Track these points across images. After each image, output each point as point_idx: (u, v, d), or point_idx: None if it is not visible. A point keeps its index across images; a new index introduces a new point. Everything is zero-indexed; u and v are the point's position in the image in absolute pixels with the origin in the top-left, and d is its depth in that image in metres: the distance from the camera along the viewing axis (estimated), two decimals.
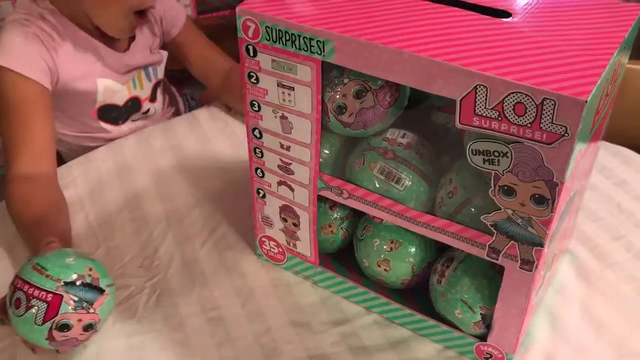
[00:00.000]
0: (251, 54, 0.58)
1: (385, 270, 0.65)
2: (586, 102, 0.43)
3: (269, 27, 0.55)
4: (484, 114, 0.48)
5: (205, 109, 1.06)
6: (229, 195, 0.85)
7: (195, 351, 0.65)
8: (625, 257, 0.74)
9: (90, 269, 0.60)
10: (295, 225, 0.68)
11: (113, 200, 0.85)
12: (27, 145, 0.84)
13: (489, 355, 0.62)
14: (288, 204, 0.67)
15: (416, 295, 0.67)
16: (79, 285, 0.58)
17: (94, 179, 0.89)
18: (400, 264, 0.65)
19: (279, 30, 0.55)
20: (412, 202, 0.60)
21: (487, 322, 0.60)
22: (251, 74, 0.60)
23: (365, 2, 0.57)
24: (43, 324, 0.57)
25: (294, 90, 0.58)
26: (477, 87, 0.47)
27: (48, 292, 0.57)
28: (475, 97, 0.47)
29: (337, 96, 0.58)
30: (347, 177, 0.63)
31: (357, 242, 0.68)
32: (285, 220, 0.69)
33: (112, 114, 1.02)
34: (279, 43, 0.56)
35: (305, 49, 0.54)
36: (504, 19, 0.53)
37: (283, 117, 0.60)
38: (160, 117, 1.11)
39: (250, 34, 0.57)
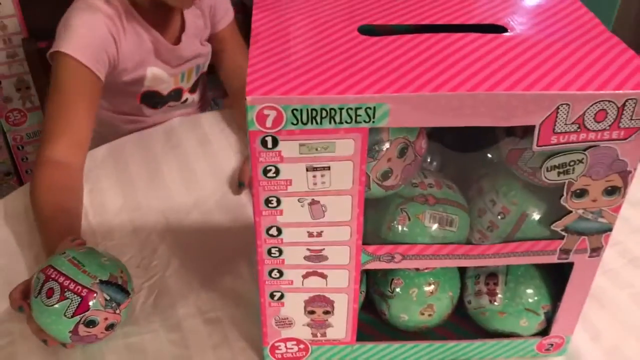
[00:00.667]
0: (269, 145, 0.48)
1: (430, 315, 0.62)
2: None
3: (296, 110, 0.46)
4: (564, 130, 0.48)
5: (209, 113, 1.07)
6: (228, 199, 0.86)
7: (191, 352, 0.65)
8: (621, 263, 0.76)
9: (121, 272, 0.63)
10: (326, 313, 0.59)
11: (112, 200, 0.86)
12: (65, 133, 0.86)
13: (549, 346, 0.64)
14: (319, 293, 0.58)
15: (447, 327, 0.65)
16: (112, 285, 0.61)
17: (94, 177, 0.90)
18: (442, 303, 0.62)
19: (312, 109, 0.46)
20: (462, 238, 0.57)
21: (549, 317, 0.62)
22: (268, 168, 0.49)
23: (374, 52, 0.51)
24: (72, 317, 0.59)
25: (329, 170, 0.49)
26: (559, 107, 0.47)
27: (84, 287, 0.59)
28: (556, 117, 0.47)
29: (382, 163, 0.51)
30: (383, 239, 0.57)
31: (386, 299, 0.63)
32: (312, 312, 0.59)
33: (154, 99, 1.06)
34: (312, 123, 0.46)
35: (349, 121, 0.47)
36: (504, 35, 0.54)
37: (313, 203, 0.51)
38: (192, 107, 1.14)
39: (269, 123, 0.46)
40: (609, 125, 0.48)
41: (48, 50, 0.93)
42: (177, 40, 1.05)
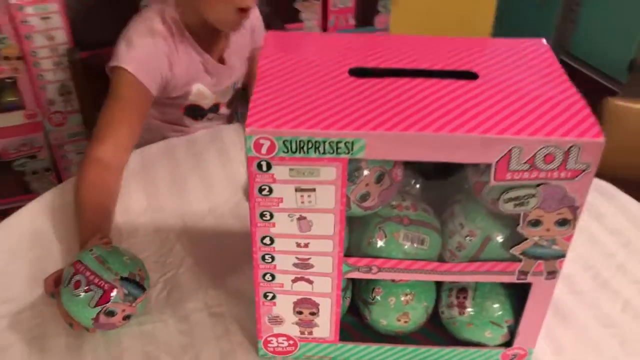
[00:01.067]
0: (264, 169, 0.56)
1: (405, 322, 0.70)
2: (604, 142, 0.54)
3: (287, 141, 0.54)
4: (517, 169, 0.55)
5: (230, 126, 1.19)
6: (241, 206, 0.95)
7: (196, 341, 0.74)
8: (592, 286, 0.82)
9: (140, 270, 0.73)
10: (313, 314, 0.68)
11: (137, 201, 0.96)
12: (114, 136, 0.97)
13: (513, 356, 0.72)
14: (306, 297, 0.66)
15: (422, 333, 0.73)
16: (131, 282, 0.70)
17: (124, 180, 0.97)
18: (417, 311, 0.70)
19: (300, 141, 0.54)
20: (433, 256, 0.65)
21: (512, 330, 0.69)
22: (263, 187, 0.58)
23: (359, 93, 0.59)
24: (95, 307, 0.68)
25: (314, 191, 0.58)
26: (512, 149, 0.54)
27: (106, 282, 0.69)
28: (510, 158, 0.55)
29: (361, 187, 0.60)
30: (363, 252, 0.65)
31: (368, 305, 0.71)
32: (300, 313, 0.68)
33: (196, 112, 1.17)
34: (300, 152, 0.55)
35: (332, 152, 0.55)
36: (475, 81, 0.61)
37: (301, 218, 0.60)
38: (223, 119, 1.25)
39: (263, 151, 0.55)
40: (557, 167, 0.55)
41: (89, 59, 1.05)
42: (222, 59, 1.16)
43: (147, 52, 1.05)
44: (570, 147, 0.54)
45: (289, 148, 0.55)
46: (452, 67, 0.64)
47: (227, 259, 0.85)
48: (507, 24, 2.76)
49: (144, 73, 1.03)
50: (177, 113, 1.18)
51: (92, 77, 1.31)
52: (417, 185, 0.71)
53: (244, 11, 1.06)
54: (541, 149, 0.54)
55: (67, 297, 0.70)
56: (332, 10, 1.64)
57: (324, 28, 1.65)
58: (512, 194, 0.58)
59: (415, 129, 0.54)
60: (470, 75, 0.62)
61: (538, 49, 0.68)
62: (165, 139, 1.13)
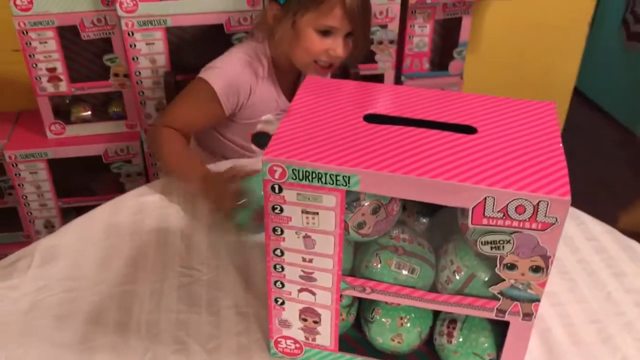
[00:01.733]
0: (276, 191, 0.67)
1: (399, 342, 0.78)
2: (570, 200, 0.60)
3: (295, 170, 0.65)
4: (492, 216, 0.63)
5: None
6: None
7: (221, 333, 0.86)
8: (594, 340, 0.85)
9: None
10: (315, 322, 0.77)
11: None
12: (178, 122, 1.20)
13: None
14: (309, 306, 0.76)
15: (418, 355, 0.80)
16: None
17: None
18: (410, 334, 0.77)
19: (306, 171, 0.65)
20: (423, 285, 0.73)
21: None
22: (275, 206, 0.69)
23: (365, 135, 0.69)
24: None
25: (318, 214, 0.68)
26: (486, 198, 0.62)
27: None
28: (485, 205, 0.62)
29: (357, 216, 0.69)
30: (362, 274, 0.74)
31: (367, 323, 0.79)
32: (305, 320, 0.78)
33: (262, 140, 1.27)
34: (306, 180, 0.66)
35: (332, 183, 0.65)
36: (473, 135, 0.69)
37: (306, 237, 0.70)
38: None
39: (276, 176, 0.66)
40: (528, 218, 0.62)
41: (182, 82, 1.28)
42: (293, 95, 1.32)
43: (233, 77, 1.23)
44: (539, 201, 0.61)
45: (297, 176, 0.66)
46: (457, 120, 0.72)
47: (262, 268, 0.96)
48: (592, 72, 2.74)
49: (224, 94, 1.22)
50: (245, 138, 1.33)
51: None
52: (422, 223, 0.79)
53: (330, 66, 1.23)
54: (512, 200, 0.61)
55: (258, 187, 0.82)
56: (408, 54, 1.74)
57: (399, 71, 1.75)
58: (488, 238, 0.65)
59: (402, 171, 0.63)
60: (470, 130, 0.71)
61: (544, 111, 0.75)
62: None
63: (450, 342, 0.76)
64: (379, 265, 0.73)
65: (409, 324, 0.77)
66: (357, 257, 0.76)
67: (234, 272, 0.97)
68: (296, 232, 0.70)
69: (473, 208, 0.63)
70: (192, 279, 0.95)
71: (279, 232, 0.71)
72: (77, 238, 1.04)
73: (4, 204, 1.79)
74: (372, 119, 0.72)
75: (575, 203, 1.09)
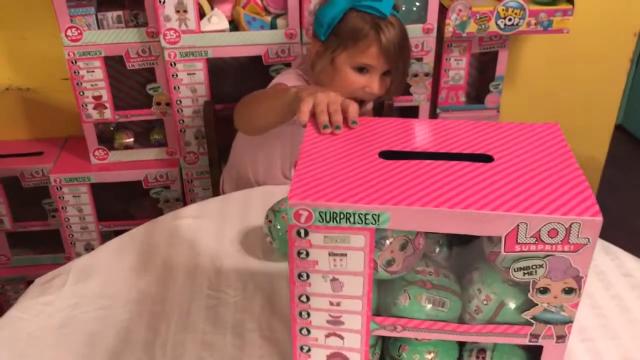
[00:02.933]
0: (302, 235, 0.65)
1: None
2: (601, 220, 0.60)
3: (322, 212, 0.63)
4: (525, 242, 0.63)
5: None
6: None
7: (243, 356, 0.88)
8: (613, 356, 0.85)
9: None
10: None
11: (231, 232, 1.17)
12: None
13: None
14: (337, 351, 0.74)
15: None
16: None
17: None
18: None
19: (333, 212, 0.63)
20: (452, 317, 0.72)
21: None
22: (301, 251, 0.67)
23: (386, 172, 0.68)
24: None
25: (346, 255, 0.66)
26: (519, 224, 0.61)
27: None
28: (517, 232, 0.62)
29: (386, 253, 0.68)
30: (390, 312, 0.73)
31: None
32: None
33: None
34: (333, 222, 0.64)
35: (360, 223, 0.63)
36: (490, 163, 0.69)
37: (334, 280, 0.68)
38: None
39: (302, 220, 0.64)
40: (561, 241, 0.62)
41: (221, 112, 1.40)
42: None
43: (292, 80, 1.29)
44: (572, 224, 0.61)
45: (324, 218, 0.64)
46: (470, 150, 0.72)
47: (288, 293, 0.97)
48: (636, 108, 2.68)
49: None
50: (288, 170, 1.39)
51: (221, 126, 1.54)
52: (442, 253, 0.79)
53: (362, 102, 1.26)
54: (545, 225, 0.61)
55: None
56: (443, 87, 1.74)
57: (434, 103, 1.76)
58: (521, 264, 0.65)
59: (433, 204, 0.62)
60: (486, 158, 0.71)
61: (551, 133, 0.76)
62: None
63: None
64: (408, 302, 0.72)
65: (437, 358, 0.76)
66: (382, 295, 0.74)
67: (260, 296, 0.98)
68: (323, 276, 0.68)
69: (506, 235, 0.62)
70: (219, 301, 0.96)
71: (305, 278, 0.69)
72: (112, 258, 1.07)
73: (48, 226, 1.85)
74: (386, 155, 0.72)
75: (615, 237, 1.08)
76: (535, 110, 1.94)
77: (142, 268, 1.04)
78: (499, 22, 1.59)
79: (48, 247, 1.89)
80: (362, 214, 0.63)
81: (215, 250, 1.08)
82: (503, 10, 1.58)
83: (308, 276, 0.68)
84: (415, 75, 1.65)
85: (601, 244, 1.08)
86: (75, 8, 1.52)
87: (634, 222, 2.23)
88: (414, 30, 1.57)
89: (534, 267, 0.64)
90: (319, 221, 0.64)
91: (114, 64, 1.66)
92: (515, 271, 0.65)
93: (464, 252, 0.77)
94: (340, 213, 0.63)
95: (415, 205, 0.63)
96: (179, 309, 0.95)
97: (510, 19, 1.59)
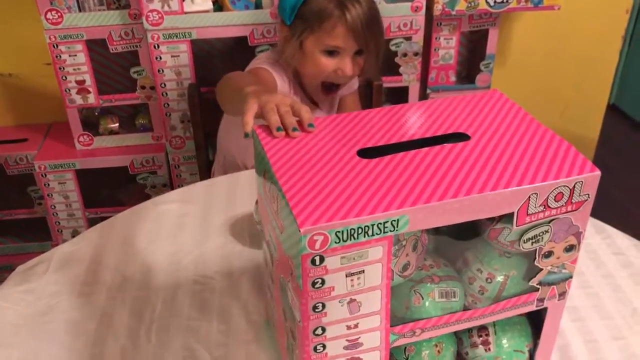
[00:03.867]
0: (317, 263, 0.57)
1: None
2: (600, 173, 0.60)
3: (339, 232, 0.56)
4: (534, 212, 0.61)
5: None
6: None
7: (229, 341, 0.86)
8: (617, 358, 0.82)
9: None
10: None
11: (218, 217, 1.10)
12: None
13: None
14: None
15: None
16: None
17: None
18: (447, 357, 0.73)
19: (351, 229, 0.56)
20: (461, 305, 0.70)
21: (532, 353, 0.73)
22: (316, 281, 0.58)
23: (379, 172, 0.62)
24: None
25: (363, 272, 0.59)
26: (531, 196, 0.60)
27: None
28: (529, 203, 0.61)
29: (402, 258, 0.64)
30: (405, 318, 0.68)
31: None
32: None
33: None
34: (351, 240, 0.57)
35: (379, 233, 0.57)
36: (470, 141, 0.66)
37: (351, 301, 0.61)
38: None
39: (317, 246, 0.56)
40: (565, 202, 0.61)
41: (206, 94, 1.34)
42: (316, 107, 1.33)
43: (273, 71, 1.25)
44: (575, 183, 0.61)
45: (341, 238, 0.56)
46: (442, 131, 0.69)
47: None
48: (630, 87, 2.67)
49: (275, 73, 1.23)
50: None
51: (206, 109, 1.51)
52: (430, 242, 0.75)
53: (330, 90, 1.26)
54: (553, 190, 0.60)
55: None
56: (433, 66, 1.72)
57: (424, 83, 1.74)
58: (530, 234, 0.64)
59: (449, 196, 0.58)
60: (462, 136, 0.68)
61: (498, 101, 0.75)
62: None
63: (489, 350, 0.73)
64: (422, 302, 0.68)
65: (444, 349, 0.73)
66: (391, 304, 0.66)
67: (246, 281, 0.96)
68: (339, 301, 0.61)
69: (518, 210, 0.61)
70: (205, 286, 0.94)
71: (320, 309, 0.60)
72: (95, 245, 1.05)
73: (34, 213, 1.82)
74: (365, 153, 0.66)
75: (608, 217, 1.06)
76: (527, 89, 1.92)
77: (126, 254, 1.02)
78: None
79: (35, 234, 1.87)
80: (380, 223, 0.57)
81: (201, 236, 1.06)
82: None
83: (324, 306, 0.60)
84: (405, 55, 1.62)
85: (592, 222, 1.07)
86: None
87: (627, 202, 2.23)
88: (402, 9, 1.54)
89: (541, 234, 0.63)
90: (336, 242, 0.56)
91: (96, 48, 1.63)
92: (524, 242, 0.64)
93: (447, 236, 0.75)
94: (358, 228, 0.56)
95: (433, 201, 0.58)
96: (163, 295, 0.93)
97: None
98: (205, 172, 1.58)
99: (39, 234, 1.85)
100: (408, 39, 1.60)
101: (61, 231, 1.80)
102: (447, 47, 1.70)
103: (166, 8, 1.46)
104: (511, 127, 0.69)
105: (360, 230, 0.56)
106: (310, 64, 1.23)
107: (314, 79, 1.27)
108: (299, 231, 0.54)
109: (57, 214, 1.76)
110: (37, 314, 0.90)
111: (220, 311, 0.90)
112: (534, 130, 0.68)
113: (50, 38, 1.53)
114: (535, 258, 0.65)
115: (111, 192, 1.84)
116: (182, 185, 1.76)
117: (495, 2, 1.57)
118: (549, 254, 0.65)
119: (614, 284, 0.95)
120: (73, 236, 1.80)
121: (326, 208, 0.57)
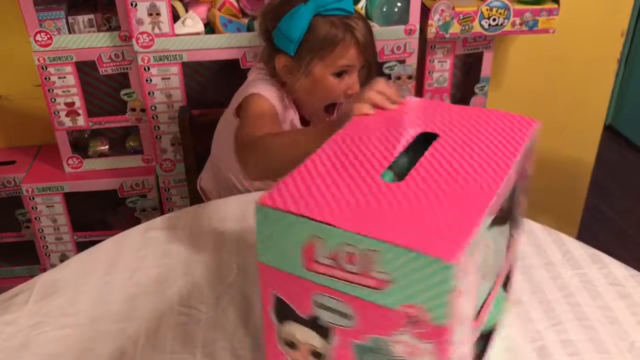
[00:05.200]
0: None
1: None
2: None
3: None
4: None
5: None
6: None
7: None
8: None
9: None
10: None
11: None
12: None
13: None
14: None
15: None
16: None
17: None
18: None
19: None
20: None
21: None
22: None
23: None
24: None
25: None
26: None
27: None
28: None
29: None
30: None
31: None
32: None
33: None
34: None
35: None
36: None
37: None
38: None
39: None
40: None
41: (198, 117, 1.31)
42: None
43: (270, 94, 1.21)
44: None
45: None
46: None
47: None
48: (627, 110, 2.66)
49: (269, 95, 1.19)
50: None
51: (197, 132, 1.49)
52: None
53: (329, 111, 1.24)
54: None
55: None
56: (428, 89, 1.71)
57: None
58: None
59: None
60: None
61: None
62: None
63: None
64: None
65: None
66: None
67: (233, 313, 0.93)
68: None
69: None
70: (189, 318, 0.91)
71: None
72: (78, 273, 1.02)
73: (22, 237, 1.79)
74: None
75: (604, 238, 1.04)
76: (522, 112, 1.89)
77: (109, 283, 0.99)
78: (483, 22, 1.55)
79: (23, 258, 1.84)
80: None
81: (187, 264, 1.03)
82: (487, 10, 1.54)
83: None
84: (398, 78, 1.61)
85: (589, 251, 1.04)
86: (44, 12, 1.47)
87: (624, 224, 2.21)
88: (395, 32, 1.53)
89: None
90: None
91: (86, 69, 1.61)
92: None
93: None
94: None
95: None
96: (146, 327, 0.90)
97: (494, 19, 1.55)
98: (196, 195, 1.55)
99: (26, 257, 1.82)
100: (402, 62, 1.59)
101: (49, 255, 1.77)
102: (442, 70, 1.69)
103: (157, 30, 1.45)
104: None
105: None
106: (320, 89, 1.22)
107: (322, 103, 1.26)
108: (446, 262, 0.47)
109: (45, 237, 1.73)
110: (15, 348, 0.87)
111: (205, 345, 0.87)
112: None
113: (39, 60, 1.51)
114: None
115: (101, 215, 1.81)
116: (172, 209, 1.73)
117: (489, 25, 1.56)
118: None
119: (611, 316, 0.92)
120: (61, 260, 1.78)
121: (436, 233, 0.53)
